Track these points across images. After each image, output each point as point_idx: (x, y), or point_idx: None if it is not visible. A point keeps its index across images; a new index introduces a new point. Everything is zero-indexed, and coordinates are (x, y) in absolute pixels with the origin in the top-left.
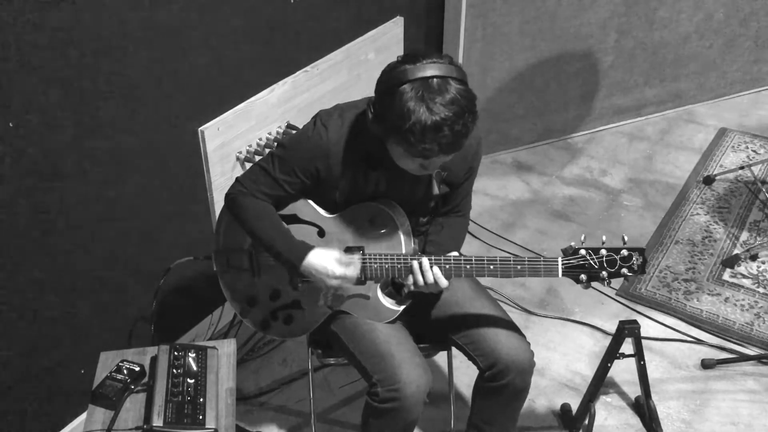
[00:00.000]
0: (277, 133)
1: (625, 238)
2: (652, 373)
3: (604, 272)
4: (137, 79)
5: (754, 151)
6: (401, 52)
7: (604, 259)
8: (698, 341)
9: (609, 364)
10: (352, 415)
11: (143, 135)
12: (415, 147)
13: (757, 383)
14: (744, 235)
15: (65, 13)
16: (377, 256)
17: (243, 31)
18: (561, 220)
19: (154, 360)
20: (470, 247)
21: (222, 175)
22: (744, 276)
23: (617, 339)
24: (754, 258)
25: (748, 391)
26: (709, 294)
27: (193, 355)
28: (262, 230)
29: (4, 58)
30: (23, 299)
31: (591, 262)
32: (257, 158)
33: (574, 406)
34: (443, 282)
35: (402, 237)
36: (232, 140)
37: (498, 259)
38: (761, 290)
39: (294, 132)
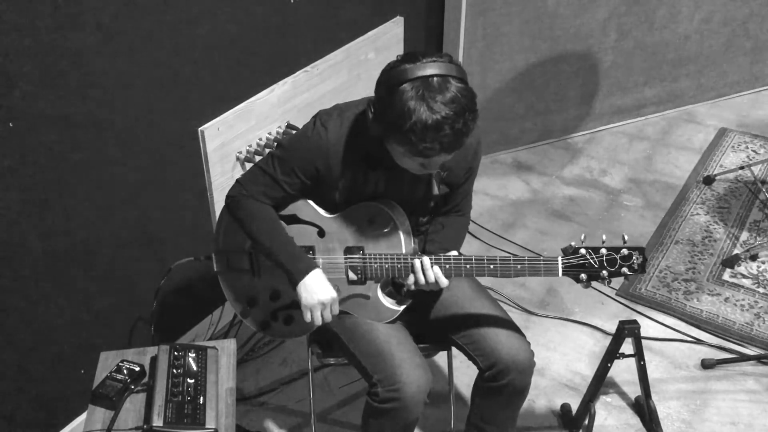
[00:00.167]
0: (277, 133)
1: (626, 238)
2: (652, 373)
3: (604, 271)
4: (137, 79)
5: (754, 151)
6: (401, 52)
7: (605, 258)
8: (698, 341)
9: (609, 364)
10: (352, 415)
11: (143, 135)
12: (416, 146)
13: (757, 383)
14: (744, 235)
15: (65, 12)
16: (377, 256)
17: (243, 31)
18: (561, 220)
19: (154, 360)
20: (470, 247)
21: (222, 175)
22: (744, 276)
23: (617, 339)
24: (754, 258)
25: (748, 391)
26: (709, 294)
27: (193, 355)
28: (264, 235)
29: (3, 57)
30: (23, 299)
31: (591, 261)
32: (257, 158)
33: (574, 406)
34: (443, 281)
35: (402, 237)
36: (232, 140)
37: (498, 258)
38: (761, 290)
39: (294, 132)
